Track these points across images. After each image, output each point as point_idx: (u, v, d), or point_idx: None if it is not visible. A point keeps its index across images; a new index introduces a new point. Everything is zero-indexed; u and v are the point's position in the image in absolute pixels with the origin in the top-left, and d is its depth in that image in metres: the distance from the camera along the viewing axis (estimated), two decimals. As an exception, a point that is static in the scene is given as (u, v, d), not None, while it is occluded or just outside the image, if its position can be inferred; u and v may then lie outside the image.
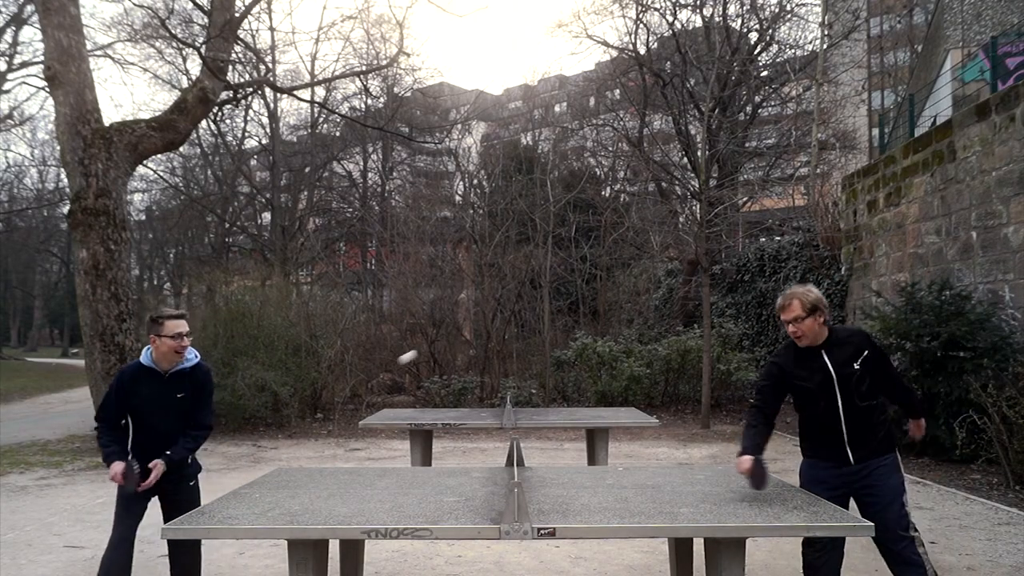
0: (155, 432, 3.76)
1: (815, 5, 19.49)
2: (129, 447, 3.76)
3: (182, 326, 3.73)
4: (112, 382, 3.78)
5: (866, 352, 3.36)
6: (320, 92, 24.36)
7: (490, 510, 3.08)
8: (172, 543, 3.82)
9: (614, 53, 19.87)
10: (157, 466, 3.68)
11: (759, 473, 3.28)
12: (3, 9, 26.60)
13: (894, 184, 10.60)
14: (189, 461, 3.88)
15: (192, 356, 3.84)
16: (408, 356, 4.27)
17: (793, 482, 3.66)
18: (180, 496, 3.82)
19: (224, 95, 12.84)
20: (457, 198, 24.92)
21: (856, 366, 3.33)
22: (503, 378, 14.07)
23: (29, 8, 24.76)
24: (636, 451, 9.63)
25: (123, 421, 3.78)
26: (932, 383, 7.82)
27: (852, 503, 3.45)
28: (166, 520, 3.76)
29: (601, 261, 17.90)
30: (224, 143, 25.76)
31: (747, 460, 3.30)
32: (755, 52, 18.54)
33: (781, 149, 19.87)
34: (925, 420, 3.74)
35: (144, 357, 3.78)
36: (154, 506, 3.85)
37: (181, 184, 28.12)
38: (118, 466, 3.60)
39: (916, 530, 3.36)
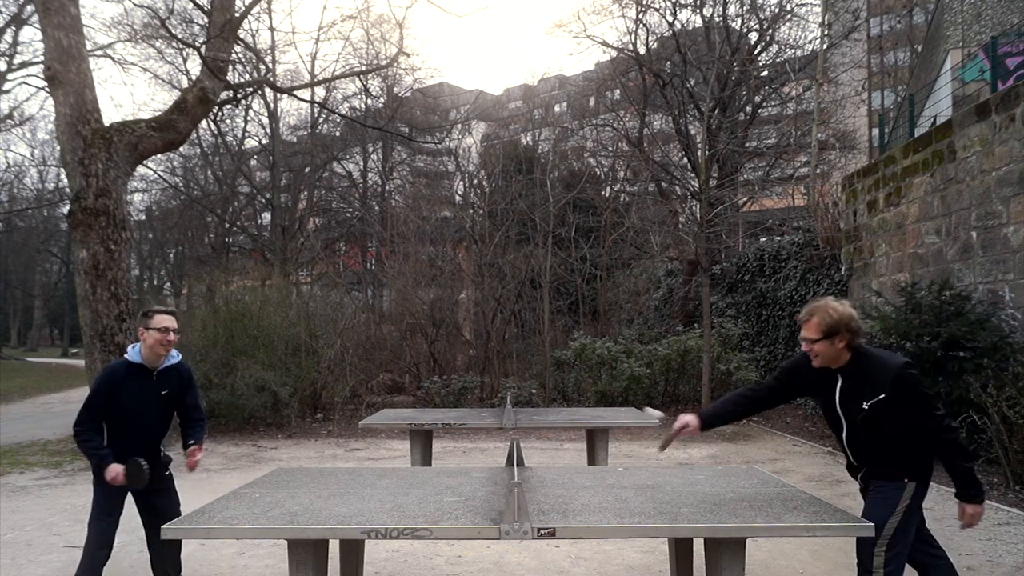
0: (140, 431, 3.78)
1: (815, 5, 19.50)
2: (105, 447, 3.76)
3: (170, 321, 3.76)
4: (100, 380, 3.73)
5: (883, 396, 2.98)
6: (320, 92, 24.42)
7: (490, 510, 3.08)
8: (158, 543, 3.83)
9: (614, 53, 19.88)
10: (197, 451, 3.86)
11: (670, 437, 3.36)
12: (3, 9, 26.64)
13: (894, 184, 10.60)
14: (163, 454, 3.96)
15: (175, 354, 3.89)
16: None
17: (793, 482, 3.65)
18: (162, 485, 3.88)
19: (224, 95, 12.84)
20: (457, 198, 24.92)
21: (865, 406, 3.02)
22: (503, 378, 14.06)
23: (29, 8, 24.76)
24: (636, 451, 9.63)
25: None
26: (932, 383, 7.81)
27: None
28: (147, 513, 3.80)
29: (601, 261, 17.90)
30: (224, 143, 25.76)
31: (682, 422, 3.34)
32: (755, 52, 18.54)
33: (781, 149, 19.87)
34: (977, 502, 3.05)
35: (132, 354, 3.77)
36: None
37: (181, 184, 28.13)
38: (118, 467, 3.60)
39: (889, 564, 3.03)
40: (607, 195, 21.55)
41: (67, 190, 13.67)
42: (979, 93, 10.78)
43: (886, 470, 3.13)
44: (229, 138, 26.17)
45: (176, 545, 3.97)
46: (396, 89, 25.94)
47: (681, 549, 4.00)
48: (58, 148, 11.68)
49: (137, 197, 31.61)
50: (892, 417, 3.02)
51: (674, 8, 18.14)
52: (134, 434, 3.77)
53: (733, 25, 18.46)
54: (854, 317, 3.07)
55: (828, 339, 3.05)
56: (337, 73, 22.79)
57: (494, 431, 10.64)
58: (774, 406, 3.42)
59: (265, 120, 25.33)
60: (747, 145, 18.93)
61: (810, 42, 21.23)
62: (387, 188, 29.28)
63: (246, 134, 26.99)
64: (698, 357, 12.37)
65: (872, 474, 3.19)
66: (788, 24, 19.42)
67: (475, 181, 22.40)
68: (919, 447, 3.10)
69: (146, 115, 25.40)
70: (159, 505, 3.81)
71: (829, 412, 3.22)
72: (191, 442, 3.91)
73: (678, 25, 18.23)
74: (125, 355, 3.80)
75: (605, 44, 19.23)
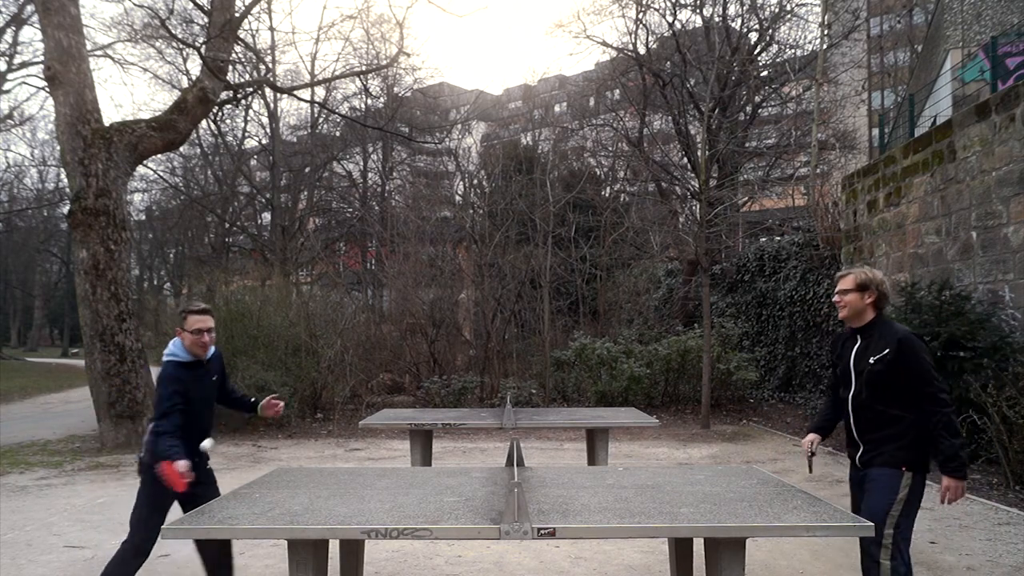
0: (198, 423, 3.77)
1: (815, 5, 19.51)
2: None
3: (205, 322, 3.76)
4: (166, 380, 3.64)
5: (887, 351, 3.20)
6: (320, 92, 24.41)
7: (490, 510, 3.08)
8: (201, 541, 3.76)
9: (614, 53, 19.88)
10: (279, 406, 4.11)
11: (810, 456, 3.48)
12: (3, 9, 26.64)
13: (894, 184, 10.60)
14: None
15: None
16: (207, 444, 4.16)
17: (793, 482, 3.66)
18: (207, 478, 3.85)
19: (224, 95, 12.86)
20: (457, 198, 24.93)
21: (871, 361, 3.24)
22: (503, 378, 14.06)
23: (29, 8, 24.76)
24: (636, 451, 9.63)
25: None
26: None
27: None
28: (191, 506, 3.70)
29: (601, 261, 17.90)
30: (224, 143, 25.77)
31: (806, 441, 3.57)
32: (755, 52, 18.54)
33: (781, 149, 19.87)
34: (957, 476, 3.14)
35: (178, 352, 3.73)
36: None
37: (181, 184, 28.14)
38: (185, 463, 3.41)
39: (895, 544, 3.13)
40: (607, 195, 21.55)
41: (67, 190, 13.68)
42: (979, 93, 10.78)
43: (884, 452, 3.22)
44: (229, 138, 26.18)
45: (226, 544, 3.90)
46: (396, 89, 25.95)
47: (681, 549, 4.00)
48: (58, 148, 11.69)
49: (137, 197, 31.65)
50: (893, 378, 3.19)
51: (674, 8, 18.15)
52: (193, 427, 3.73)
53: (733, 25, 18.46)
54: (886, 282, 3.39)
55: (859, 292, 3.33)
56: (337, 73, 22.80)
57: (494, 431, 10.65)
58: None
59: (265, 120, 25.34)
60: (747, 145, 18.92)
61: (810, 42, 21.28)
62: (387, 188, 29.28)
63: (246, 134, 27.01)
64: (698, 357, 12.37)
65: (870, 457, 3.28)
66: (788, 24, 19.44)
67: (475, 181, 22.40)
68: (918, 432, 3.21)
69: (146, 115, 25.44)
70: (208, 496, 3.73)
71: (844, 373, 3.40)
72: (253, 399, 4.11)
73: (678, 25, 18.23)
74: (169, 356, 3.73)
75: (605, 44, 19.24)
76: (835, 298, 3.45)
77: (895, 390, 3.21)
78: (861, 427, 3.32)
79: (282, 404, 4.15)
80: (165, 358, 3.74)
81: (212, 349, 3.89)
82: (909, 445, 3.21)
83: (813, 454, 3.47)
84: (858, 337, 3.36)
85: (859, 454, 3.34)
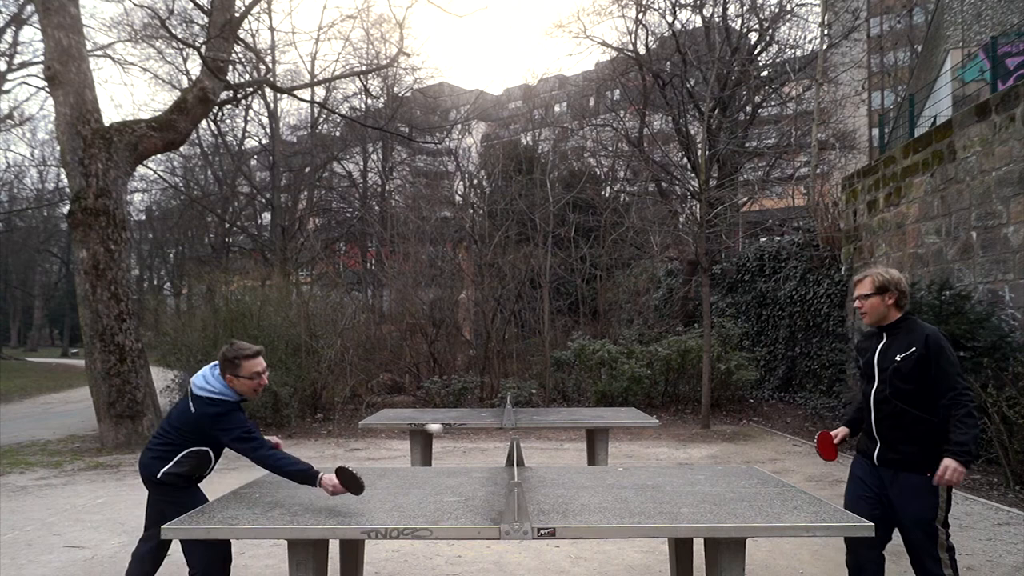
0: (216, 458, 3.69)
1: (815, 5, 19.51)
2: (207, 474, 3.65)
3: (259, 364, 3.56)
4: (235, 412, 3.48)
5: (914, 349, 3.21)
6: (320, 92, 24.43)
7: (490, 510, 3.08)
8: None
9: (614, 53, 19.89)
10: None
11: (825, 444, 3.61)
12: (3, 9, 26.62)
13: (894, 184, 10.60)
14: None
15: None
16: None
17: (793, 482, 3.65)
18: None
19: (224, 95, 12.85)
20: (457, 198, 24.92)
21: (898, 359, 3.25)
22: (503, 378, 14.06)
23: (29, 8, 24.75)
24: (636, 451, 9.63)
25: (205, 449, 3.55)
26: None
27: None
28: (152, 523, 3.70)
29: (601, 261, 17.90)
30: (224, 143, 25.78)
31: (841, 431, 3.60)
32: (755, 52, 18.55)
33: (781, 149, 19.88)
34: (960, 460, 3.11)
35: (227, 392, 3.52)
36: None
37: (181, 184, 28.15)
38: (333, 477, 3.25)
39: (948, 549, 3.21)
40: (607, 195, 21.55)
41: (67, 190, 13.67)
42: (979, 93, 10.78)
43: (910, 456, 3.23)
44: (229, 138, 26.20)
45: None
46: (396, 89, 25.95)
47: (681, 549, 4.00)
48: (58, 148, 11.69)
49: (137, 197, 31.67)
50: (918, 375, 3.20)
51: (674, 8, 18.16)
52: (211, 460, 3.65)
53: (733, 25, 18.47)
54: (904, 280, 3.38)
55: (880, 295, 3.34)
56: (337, 73, 22.81)
57: (494, 431, 10.65)
58: None
59: (265, 120, 25.36)
60: (747, 145, 18.93)
61: (810, 42, 21.30)
62: (387, 188, 29.28)
63: (246, 134, 27.03)
64: (698, 357, 12.37)
65: (891, 458, 3.28)
66: (788, 24, 19.46)
67: (475, 181, 22.41)
68: (940, 437, 3.19)
69: (146, 115, 25.45)
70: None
71: (867, 368, 3.41)
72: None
73: (678, 25, 18.24)
74: (219, 396, 3.49)
75: (605, 44, 19.27)
76: (855, 303, 3.42)
77: (919, 389, 3.21)
78: (881, 424, 3.33)
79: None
80: (217, 396, 3.46)
81: None
82: (931, 448, 3.21)
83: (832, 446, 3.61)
84: (884, 335, 3.38)
85: (876, 451, 3.34)
